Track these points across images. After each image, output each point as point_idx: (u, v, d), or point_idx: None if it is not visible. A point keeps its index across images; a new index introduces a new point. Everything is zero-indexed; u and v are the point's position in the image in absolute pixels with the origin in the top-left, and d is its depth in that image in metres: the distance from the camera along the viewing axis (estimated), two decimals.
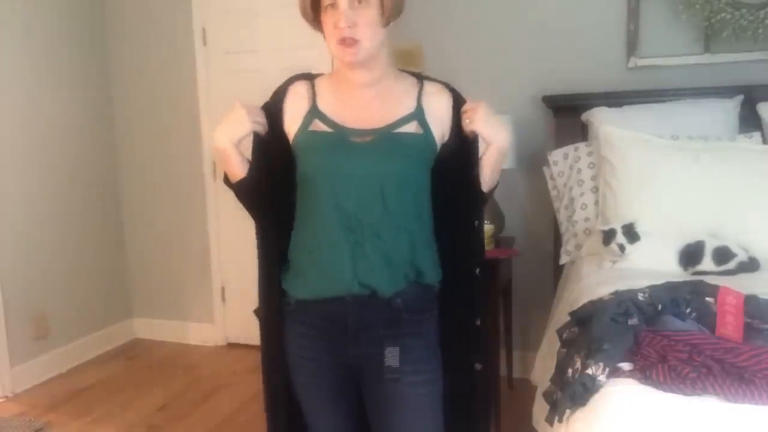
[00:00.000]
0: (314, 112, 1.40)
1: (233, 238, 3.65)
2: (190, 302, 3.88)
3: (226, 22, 3.59)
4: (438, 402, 1.43)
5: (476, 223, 1.46)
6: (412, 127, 1.39)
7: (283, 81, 1.47)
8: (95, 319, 3.74)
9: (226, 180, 1.47)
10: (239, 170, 1.43)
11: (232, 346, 3.79)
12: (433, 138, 1.40)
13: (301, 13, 1.42)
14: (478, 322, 1.46)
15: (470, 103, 1.39)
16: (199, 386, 3.25)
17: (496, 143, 1.38)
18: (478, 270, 1.46)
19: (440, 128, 1.42)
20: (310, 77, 1.47)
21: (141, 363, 3.63)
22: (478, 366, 1.46)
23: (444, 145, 1.42)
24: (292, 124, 1.42)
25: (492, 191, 1.48)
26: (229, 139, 1.39)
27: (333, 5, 1.32)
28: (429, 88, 1.44)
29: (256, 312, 1.52)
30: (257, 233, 1.48)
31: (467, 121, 1.37)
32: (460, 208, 1.44)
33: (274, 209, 1.44)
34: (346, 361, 1.41)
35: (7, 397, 3.18)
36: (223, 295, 3.82)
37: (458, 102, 1.42)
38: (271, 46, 3.47)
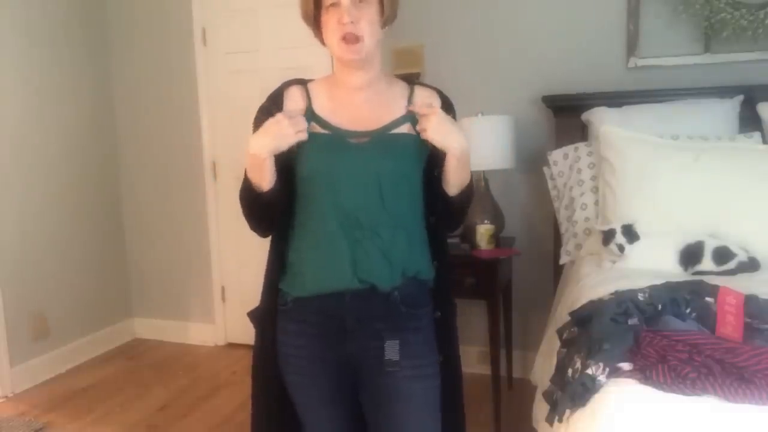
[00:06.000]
0: (310, 115, 1.42)
1: (233, 238, 3.65)
2: (190, 302, 3.88)
3: (225, 22, 3.59)
4: (437, 397, 1.44)
5: (432, 219, 1.46)
6: (405, 129, 1.42)
7: (278, 86, 1.48)
8: (95, 319, 3.74)
9: (246, 189, 1.38)
10: (268, 182, 1.36)
11: (232, 346, 3.80)
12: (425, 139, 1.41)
13: (302, 16, 1.44)
14: (438, 315, 1.47)
15: (425, 109, 1.35)
16: (199, 386, 3.26)
17: (449, 151, 1.35)
18: (435, 263, 1.46)
19: None
20: (302, 82, 1.49)
21: (141, 363, 3.63)
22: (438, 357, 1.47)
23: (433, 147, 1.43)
24: None
25: (464, 195, 1.45)
26: (270, 152, 1.32)
27: (335, 4, 1.35)
28: (419, 92, 1.48)
29: (250, 315, 1.52)
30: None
31: (422, 128, 1.34)
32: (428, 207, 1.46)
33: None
34: (344, 358, 1.41)
35: (7, 397, 3.18)
36: (223, 295, 3.82)
37: (446, 107, 1.44)
38: (271, 46, 3.48)
